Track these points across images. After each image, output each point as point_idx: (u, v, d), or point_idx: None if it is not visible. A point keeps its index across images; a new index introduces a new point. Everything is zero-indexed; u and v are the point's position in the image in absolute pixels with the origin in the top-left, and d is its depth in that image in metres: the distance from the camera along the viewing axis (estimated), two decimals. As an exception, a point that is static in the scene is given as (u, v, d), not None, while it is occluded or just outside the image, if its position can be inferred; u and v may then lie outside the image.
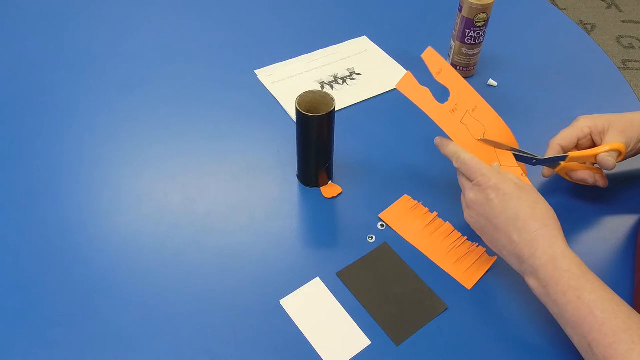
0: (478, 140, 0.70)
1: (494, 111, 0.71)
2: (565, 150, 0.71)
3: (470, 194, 0.63)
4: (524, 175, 0.69)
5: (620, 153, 0.69)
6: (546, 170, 0.74)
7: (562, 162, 0.71)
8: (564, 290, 0.54)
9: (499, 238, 0.60)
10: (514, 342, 0.60)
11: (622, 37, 2.40)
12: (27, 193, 0.74)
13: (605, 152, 0.68)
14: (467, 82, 0.71)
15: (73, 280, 0.65)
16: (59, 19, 1.05)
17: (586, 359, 0.53)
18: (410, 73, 0.70)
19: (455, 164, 0.66)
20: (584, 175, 0.72)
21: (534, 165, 0.72)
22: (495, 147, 0.70)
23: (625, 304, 0.53)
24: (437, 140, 0.70)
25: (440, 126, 0.69)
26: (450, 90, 0.70)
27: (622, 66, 2.25)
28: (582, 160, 0.71)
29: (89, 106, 0.87)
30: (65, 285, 0.64)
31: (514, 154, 0.70)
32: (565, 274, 0.54)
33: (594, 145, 0.72)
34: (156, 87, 0.91)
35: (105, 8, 1.08)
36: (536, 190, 0.61)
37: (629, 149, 0.70)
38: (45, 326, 0.61)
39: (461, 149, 0.66)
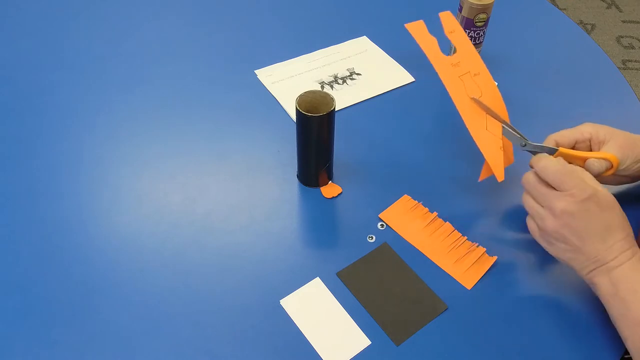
0: (471, 98, 0.69)
1: (495, 84, 0.71)
2: (560, 147, 0.70)
3: (561, 204, 0.58)
4: (501, 149, 0.68)
5: (611, 166, 0.67)
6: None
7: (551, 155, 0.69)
8: (635, 288, 0.55)
9: (583, 248, 0.58)
10: (514, 342, 0.60)
11: (622, 37, 2.40)
12: (27, 193, 0.74)
13: (595, 158, 0.67)
14: (475, 50, 0.72)
15: (73, 280, 0.65)
16: (59, 19, 1.05)
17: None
18: (422, 21, 0.72)
19: (538, 168, 0.61)
20: None
21: (522, 148, 0.70)
22: (486, 112, 0.70)
23: None
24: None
25: (439, 75, 0.69)
26: (458, 50, 0.71)
27: (622, 66, 2.25)
28: (571, 161, 0.69)
29: (89, 106, 0.87)
30: (65, 285, 0.64)
31: (503, 127, 0.69)
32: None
33: None
34: (156, 87, 0.91)
35: (105, 8, 1.08)
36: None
37: (623, 166, 0.67)
38: (45, 326, 0.61)
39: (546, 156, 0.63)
